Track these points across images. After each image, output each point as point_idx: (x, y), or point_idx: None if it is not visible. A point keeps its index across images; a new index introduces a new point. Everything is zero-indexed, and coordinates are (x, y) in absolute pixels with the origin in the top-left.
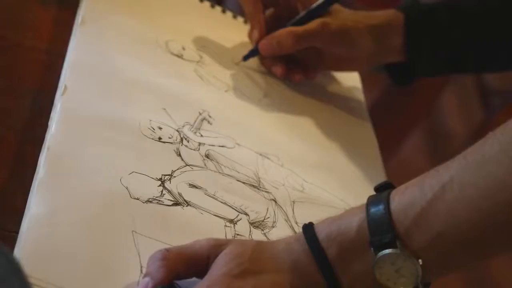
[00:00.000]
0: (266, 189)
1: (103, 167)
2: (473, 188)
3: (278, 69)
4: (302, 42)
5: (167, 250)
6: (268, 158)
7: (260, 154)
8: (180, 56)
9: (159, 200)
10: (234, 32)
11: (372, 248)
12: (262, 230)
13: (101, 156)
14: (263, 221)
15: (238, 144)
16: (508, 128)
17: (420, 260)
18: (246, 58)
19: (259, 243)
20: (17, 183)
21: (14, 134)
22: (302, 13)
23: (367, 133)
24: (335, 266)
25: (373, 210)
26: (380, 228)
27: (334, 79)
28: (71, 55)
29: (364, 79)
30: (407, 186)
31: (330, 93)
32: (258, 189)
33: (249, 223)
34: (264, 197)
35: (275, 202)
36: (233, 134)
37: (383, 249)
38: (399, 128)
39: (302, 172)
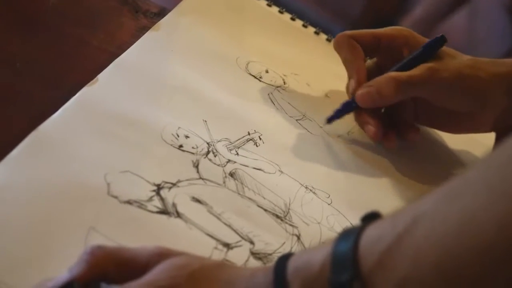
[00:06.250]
0: (293, 222)
1: (93, 159)
2: (443, 225)
3: (370, 129)
4: (406, 91)
5: (99, 246)
6: (314, 193)
7: (306, 187)
8: (258, 78)
9: (142, 204)
10: (342, 67)
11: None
12: (265, 263)
13: (98, 149)
14: (270, 254)
15: (281, 172)
16: (502, 148)
17: None
18: (330, 120)
19: (218, 264)
20: None
21: (26, 119)
22: (406, 59)
23: None
24: None
25: (341, 243)
26: (342, 264)
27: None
28: (124, 54)
29: None
30: (385, 217)
31: (436, 144)
32: (282, 220)
33: (251, 252)
34: (286, 230)
35: (298, 238)
36: (280, 161)
37: None
38: None
39: (353, 215)
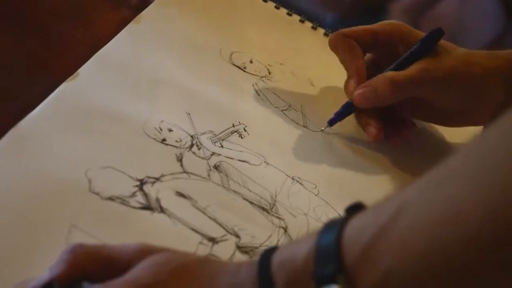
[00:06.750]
0: (279, 214)
1: (73, 155)
2: (428, 214)
3: (371, 131)
4: (402, 91)
5: (80, 245)
6: (300, 184)
7: (292, 178)
8: (242, 68)
9: (124, 200)
10: (327, 55)
11: (314, 281)
12: (251, 257)
13: (78, 145)
14: (257, 247)
15: (267, 163)
16: (486, 135)
17: None
18: (332, 122)
19: (202, 259)
20: None
21: (8, 115)
22: (403, 56)
23: None
24: None
25: (324, 235)
26: (326, 257)
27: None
28: (105, 47)
29: None
30: (369, 208)
31: (427, 136)
32: (268, 212)
33: (236, 246)
34: (272, 223)
35: (285, 230)
36: (265, 152)
37: (325, 283)
38: None
39: (341, 206)
